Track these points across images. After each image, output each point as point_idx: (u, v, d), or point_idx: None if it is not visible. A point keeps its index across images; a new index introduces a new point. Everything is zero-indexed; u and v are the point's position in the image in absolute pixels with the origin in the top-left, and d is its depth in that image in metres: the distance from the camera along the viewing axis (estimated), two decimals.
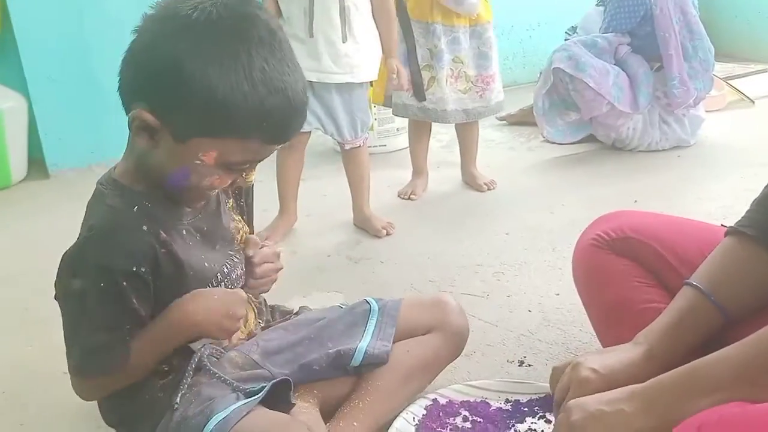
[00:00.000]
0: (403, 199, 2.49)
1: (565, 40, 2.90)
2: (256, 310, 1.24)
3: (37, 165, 3.02)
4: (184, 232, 1.05)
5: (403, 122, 2.82)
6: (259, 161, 1.00)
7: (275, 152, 2.13)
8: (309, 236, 2.22)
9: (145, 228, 0.98)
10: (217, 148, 0.92)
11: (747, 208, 1.06)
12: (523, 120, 3.28)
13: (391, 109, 2.51)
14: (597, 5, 3.12)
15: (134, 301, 0.98)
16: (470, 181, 2.57)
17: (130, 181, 1.01)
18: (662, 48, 2.70)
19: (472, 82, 2.40)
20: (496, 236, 2.12)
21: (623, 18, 2.76)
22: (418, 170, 2.55)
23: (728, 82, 3.45)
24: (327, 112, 2.07)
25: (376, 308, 1.25)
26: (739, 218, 1.05)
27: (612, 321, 1.21)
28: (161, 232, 0.99)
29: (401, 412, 1.22)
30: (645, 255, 1.19)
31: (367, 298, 1.29)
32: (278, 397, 1.06)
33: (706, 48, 2.75)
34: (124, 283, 0.96)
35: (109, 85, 0.98)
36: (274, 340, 1.17)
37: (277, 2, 2.01)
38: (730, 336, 1.00)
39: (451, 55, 2.36)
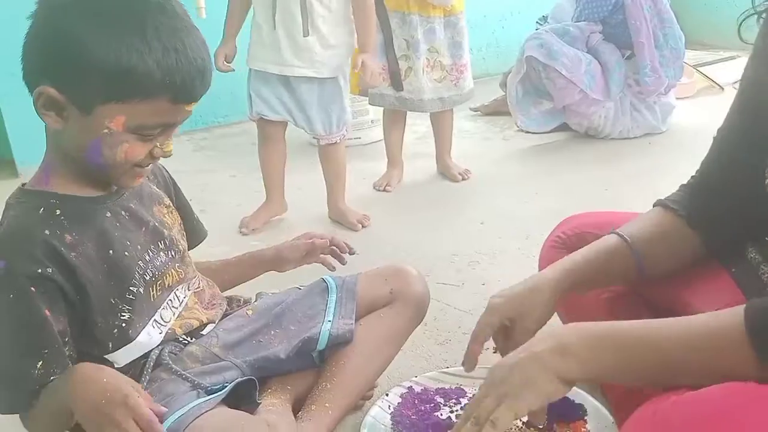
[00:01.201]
0: (379, 190, 2.49)
1: (536, 29, 2.91)
2: (198, 300, 1.17)
3: (5, 164, 2.96)
4: (108, 214, 1.02)
5: (377, 114, 2.81)
6: (173, 126, 0.98)
7: (257, 146, 2.16)
8: (284, 230, 2.21)
9: (47, 232, 0.94)
10: (124, 113, 0.91)
11: None
12: (497, 110, 3.29)
13: (366, 100, 2.51)
14: None
15: (47, 312, 0.93)
16: (445, 171, 2.57)
17: (44, 182, 1.00)
18: (634, 36, 2.72)
19: (447, 71, 2.41)
20: (471, 225, 2.12)
21: (596, 6, 2.79)
22: (393, 161, 2.56)
23: (698, 69, 3.49)
24: (297, 104, 2.06)
25: (334, 285, 1.23)
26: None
27: (574, 313, 1.24)
28: (67, 235, 0.96)
29: (377, 400, 1.22)
30: None
31: (324, 277, 1.26)
32: (243, 397, 1.04)
33: (677, 36, 2.78)
34: (32, 289, 0.92)
35: None
36: (234, 331, 1.15)
37: None
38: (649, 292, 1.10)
39: (427, 45, 2.37)
